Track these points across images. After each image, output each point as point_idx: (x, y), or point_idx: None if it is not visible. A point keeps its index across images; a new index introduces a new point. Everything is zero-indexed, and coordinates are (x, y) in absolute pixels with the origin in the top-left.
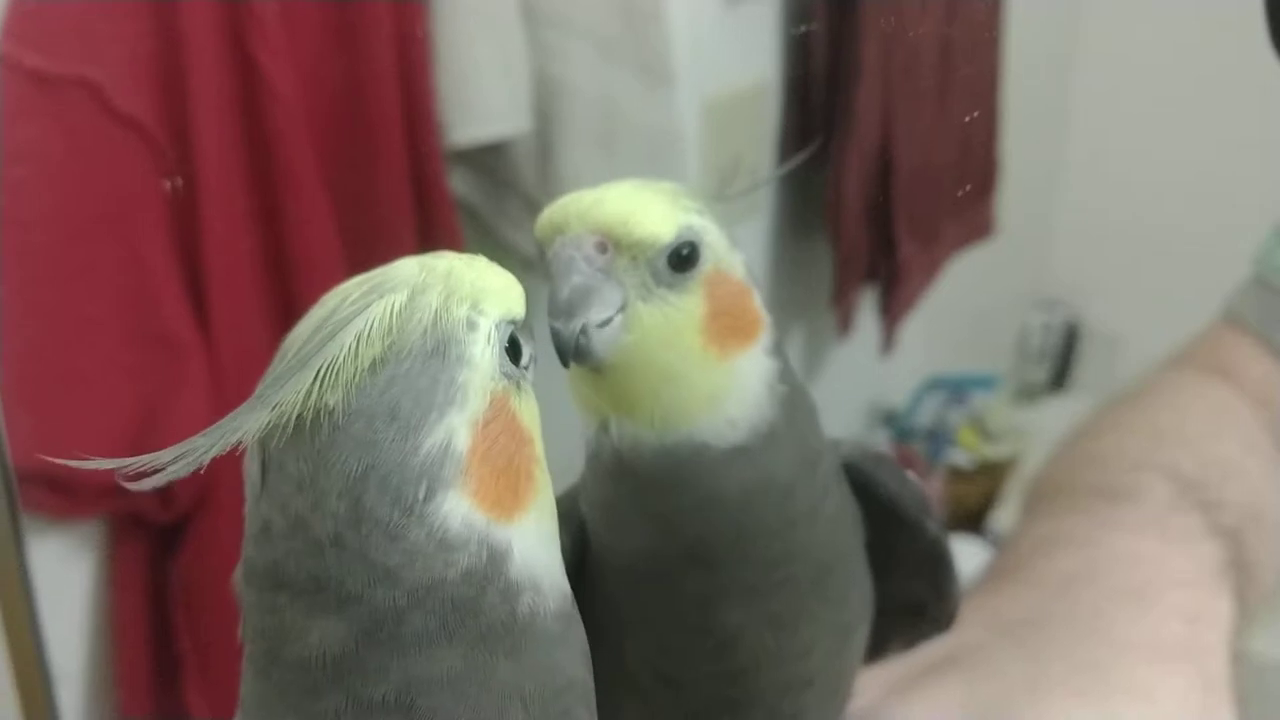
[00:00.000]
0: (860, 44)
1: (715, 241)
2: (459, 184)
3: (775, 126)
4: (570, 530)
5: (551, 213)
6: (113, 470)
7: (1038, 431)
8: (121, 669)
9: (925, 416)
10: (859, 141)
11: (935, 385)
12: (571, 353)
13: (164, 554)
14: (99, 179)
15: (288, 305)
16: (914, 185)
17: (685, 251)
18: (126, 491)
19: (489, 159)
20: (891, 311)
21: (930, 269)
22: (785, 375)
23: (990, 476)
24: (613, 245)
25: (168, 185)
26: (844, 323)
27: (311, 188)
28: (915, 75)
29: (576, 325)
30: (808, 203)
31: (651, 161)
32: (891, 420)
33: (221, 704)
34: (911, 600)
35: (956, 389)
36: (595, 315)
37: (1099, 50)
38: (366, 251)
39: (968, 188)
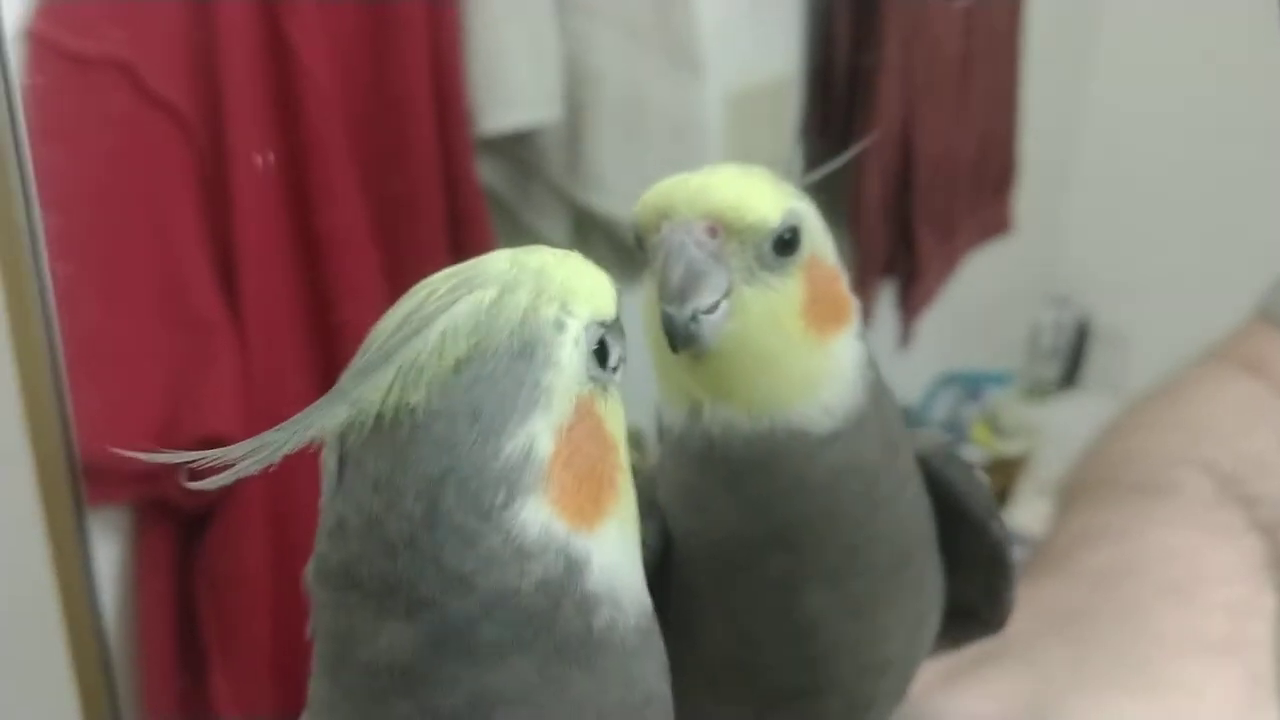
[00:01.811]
0: (882, 40)
1: (813, 226)
2: (486, 171)
3: (797, 120)
4: (654, 520)
5: (655, 198)
6: (142, 457)
7: (1049, 428)
8: (145, 655)
9: (939, 412)
10: (880, 136)
11: (949, 381)
12: (683, 338)
13: (189, 542)
14: (133, 160)
15: (316, 289)
16: (934, 180)
17: (788, 236)
18: (154, 479)
19: (517, 147)
20: (910, 306)
21: (948, 264)
22: (871, 360)
23: (1003, 473)
24: (723, 229)
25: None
26: (862, 317)
27: (342, 172)
28: (936, 72)
29: (688, 310)
30: (827, 197)
31: (677, 151)
32: (906, 416)
33: (244, 691)
34: (965, 601)
35: (971, 385)
36: (705, 300)
37: (1114, 50)
38: (394, 237)
39: (986, 183)
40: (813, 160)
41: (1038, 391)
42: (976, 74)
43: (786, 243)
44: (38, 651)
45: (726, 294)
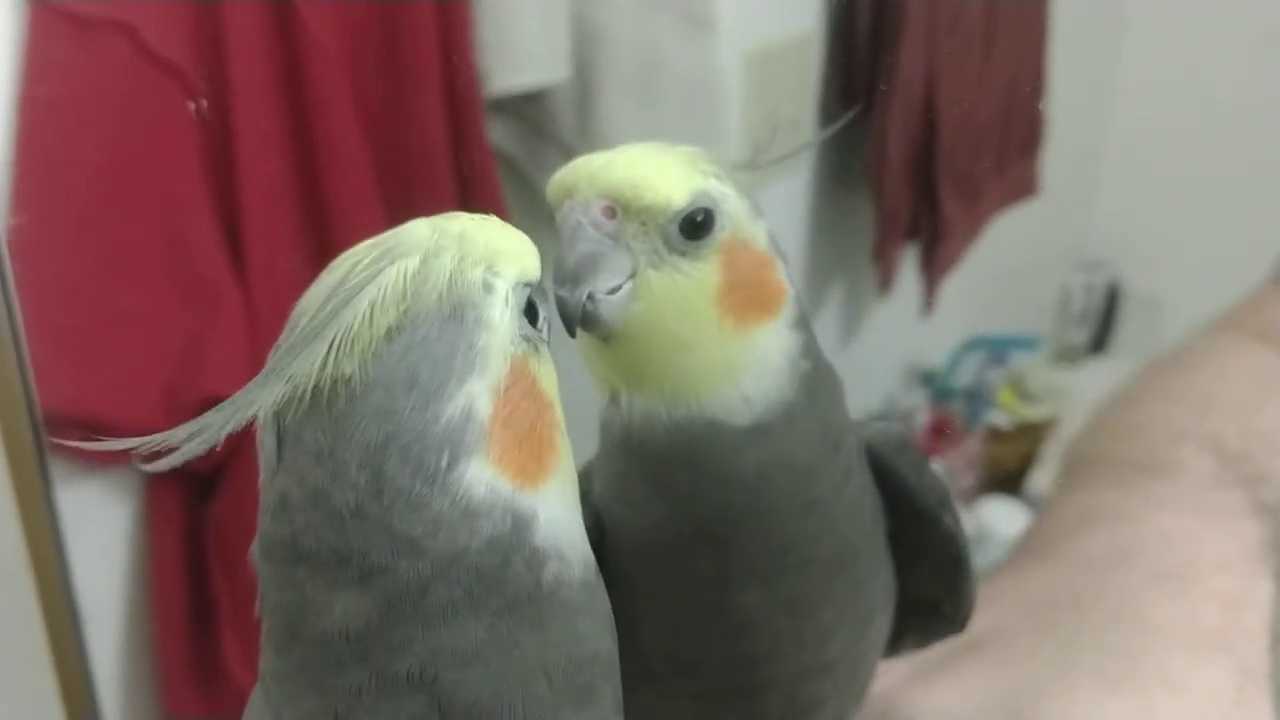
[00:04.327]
0: None
1: (734, 208)
2: (497, 133)
3: (818, 80)
4: (585, 507)
5: (563, 175)
6: (150, 416)
7: (1077, 393)
8: (157, 613)
9: (964, 377)
10: (903, 96)
11: (975, 345)
12: (577, 321)
13: (200, 500)
14: (136, 123)
15: (324, 251)
16: (958, 142)
17: (700, 218)
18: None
19: (527, 108)
20: (933, 270)
21: (973, 227)
22: (808, 351)
23: (1029, 438)
24: (622, 210)
25: (192, 107)
26: (885, 281)
27: (349, 135)
28: (960, 30)
29: (581, 293)
30: (850, 158)
31: (692, 111)
32: (930, 380)
33: (256, 649)
34: (926, 597)
35: (996, 349)
36: (602, 283)
37: (1147, 9)
38: (404, 199)
39: (1012, 145)
40: (833, 121)
41: (1066, 356)
42: (1002, 32)
43: (697, 225)
44: (10, 617)
45: (631, 276)
